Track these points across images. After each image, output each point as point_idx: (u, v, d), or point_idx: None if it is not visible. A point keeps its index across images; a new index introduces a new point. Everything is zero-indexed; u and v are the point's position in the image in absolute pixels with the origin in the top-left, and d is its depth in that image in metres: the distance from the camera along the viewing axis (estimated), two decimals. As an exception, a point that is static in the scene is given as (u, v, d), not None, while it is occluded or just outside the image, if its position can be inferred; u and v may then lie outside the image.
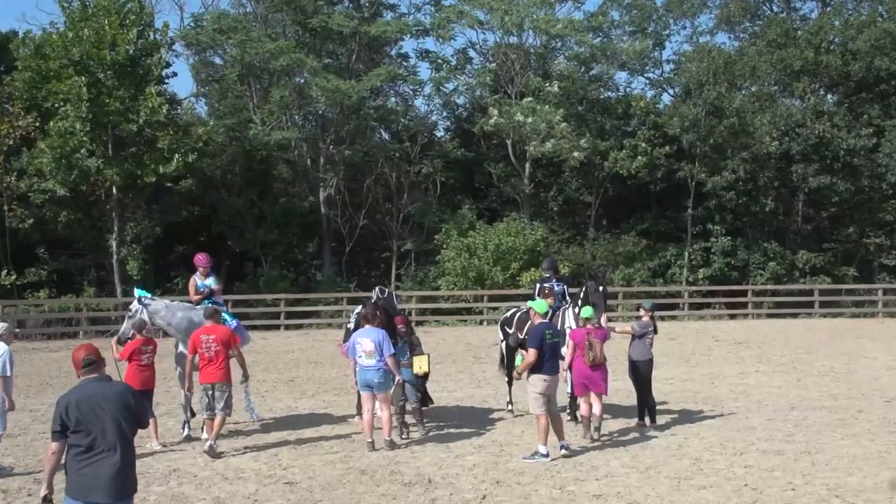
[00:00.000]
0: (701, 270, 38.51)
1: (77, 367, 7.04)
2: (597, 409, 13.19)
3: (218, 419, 12.45)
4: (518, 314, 15.65)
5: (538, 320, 12.12)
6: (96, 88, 31.07)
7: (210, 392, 12.44)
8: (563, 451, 11.84)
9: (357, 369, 12.70)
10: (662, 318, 32.45)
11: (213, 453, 12.26)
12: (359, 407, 14.76)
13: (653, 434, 13.50)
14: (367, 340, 12.49)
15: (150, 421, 12.54)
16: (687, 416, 14.95)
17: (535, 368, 11.89)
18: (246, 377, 12.72)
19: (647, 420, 14.03)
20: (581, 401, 13.30)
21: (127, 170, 31.76)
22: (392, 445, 12.57)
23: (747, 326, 31.85)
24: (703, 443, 12.90)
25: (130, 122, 31.38)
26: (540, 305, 12.27)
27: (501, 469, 11.60)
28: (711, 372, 20.44)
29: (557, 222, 40.85)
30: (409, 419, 13.80)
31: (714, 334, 29.05)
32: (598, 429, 13.20)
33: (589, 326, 13.23)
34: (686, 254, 38.81)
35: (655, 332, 14.21)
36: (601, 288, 14.26)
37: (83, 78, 30.62)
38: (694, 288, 37.23)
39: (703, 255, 38.87)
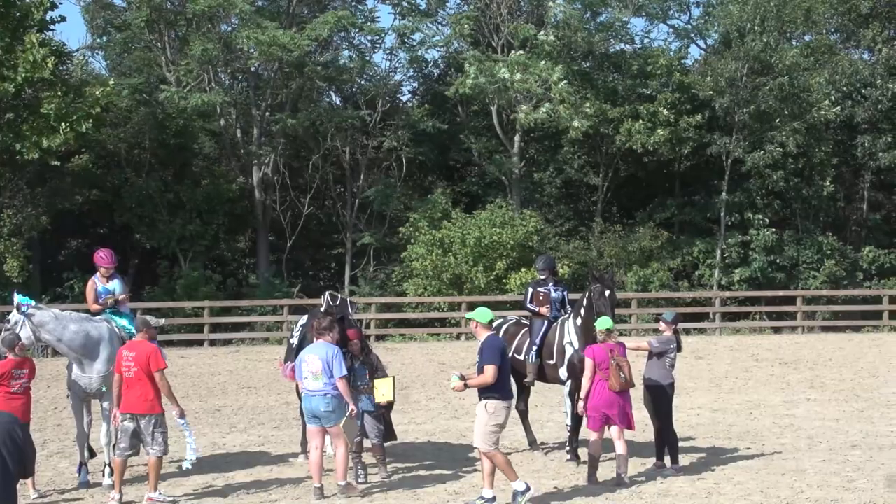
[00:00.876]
0: (737, 271, 38.77)
1: None
2: (622, 449, 13.35)
3: (152, 461, 12.47)
4: (505, 326, 15.79)
5: (485, 333, 12.11)
6: (-43, 35, 30.86)
7: (130, 424, 12.49)
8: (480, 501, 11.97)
9: (302, 395, 12.77)
10: (688, 332, 32.72)
11: None
12: (304, 443, 14.84)
13: (674, 478, 13.67)
14: (315, 358, 12.57)
15: None
16: (718, 456, 15.12)
17: (491, 392, 11.89)
18: (181, 413, 12.70)
19: (666, 460, 14.20)
20: (596, 436, 13.37)
21: (2, 142, 31.59)
22: (348, 491, 12.69)
23: (796, 342, 32.10)
24: (739, 489, 13.06)
25: (6, 80, 31.20)
26: (482, 314, 12.21)
27: (484, 522, 11.72)
28: (749, 400, 20.63)
29: (555, 210, 41.02)
30: (367, 458, 13.90)
31: (753, 352, 29.29)
32: (624, 473, 13.32)
33: (609, 342, 13.37)
34: (718, 251, 39.06)
35: (679, 349, 14.38)
36: (608, 292, 14.39)
37: (-62, 22, 30.44)
38: (728, 294, 37.49)
39: (741, 252, 39.13)
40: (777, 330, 35.71)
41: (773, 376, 24.26)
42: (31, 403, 13.02)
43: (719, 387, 22.56)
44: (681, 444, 14.67)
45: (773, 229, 38.87)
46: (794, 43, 40.45)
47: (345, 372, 12.65)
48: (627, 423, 13.42)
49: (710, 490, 13.01)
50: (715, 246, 39.14)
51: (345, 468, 12.70)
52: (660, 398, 14.12)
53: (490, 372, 11.76)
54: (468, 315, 12.55)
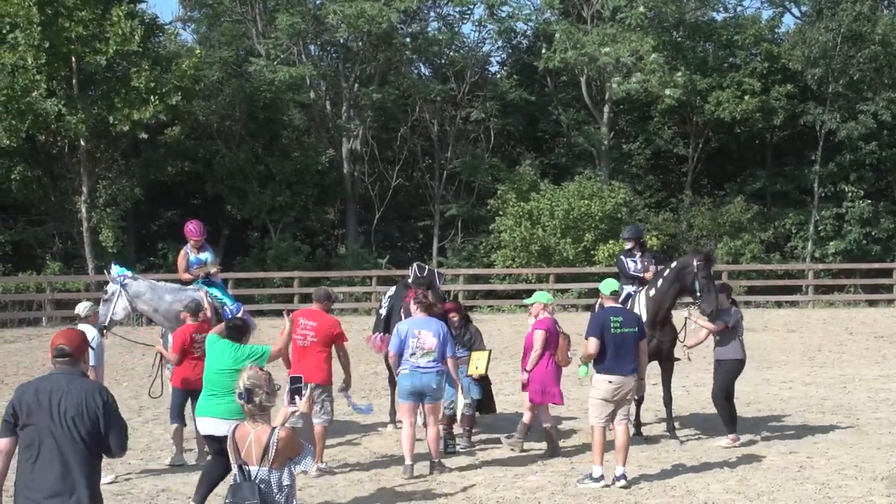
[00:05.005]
0: (831, 244, 38.25)
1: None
2: (549, 424, 13.51)
3: (318, 430, 12.53)
4: None
5: (607, 303, 12.19)
6: (52, 8, 31.22)
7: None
8: (620, 483, 11.77)
9: (405, 370, 12.49)
10: (780, 305, 32.42)
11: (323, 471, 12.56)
12: (392, 412, 14.95)
13: (766, 451, 13.53)
14: (429, 334, 12.44)
15: (174, 428, 12.92)
16: (811, 430, 14.95)
17: (595, 364, 11.92)
18: (347, 385, 12.86)
19: (723, 439, 14.00)
20: (529, 411, 13.54)
21: (96, 115, 32.01)
22: (439, 468, 12.66)
23: (892, 315, 31.63)
24: (833, 464, 12.91)
25: (98, 52, 31.62)
26: (603, 285, 12.29)
27: (571, 493, 11.72)
28: (843, 374, 20.37)
29: (644, 182, 40.73)
30: (456, 429, 13.98)
31: (847, 325, 28.89)
32: (556, 446, 13.56)
33: (546, 315, 13.41)
34: (811, 222, 38.54)
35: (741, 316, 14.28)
36: (713, 269, 14.22)
37: (33, -6, 30.82)
38: (821, 266, 37.01)
39: (835, 224, 38.60)
40: (872, 303, 35.13)
41: (868, 350, 23.93)
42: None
43: (812, 360, 22.30)
44: (772, 418, 14.54)
45: (869, 201, 38.31)
46: (888, 11, 39.60)
47: (455, 352, 12.77)
48: (560, 400, 13.55)
49: (803, 464, 12.87)
50: (808, 218, 38.66)
51: (437, 445, 12.76)
52: (734, 374, 13.97)
53: (590, 344, 11.83)
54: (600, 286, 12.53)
